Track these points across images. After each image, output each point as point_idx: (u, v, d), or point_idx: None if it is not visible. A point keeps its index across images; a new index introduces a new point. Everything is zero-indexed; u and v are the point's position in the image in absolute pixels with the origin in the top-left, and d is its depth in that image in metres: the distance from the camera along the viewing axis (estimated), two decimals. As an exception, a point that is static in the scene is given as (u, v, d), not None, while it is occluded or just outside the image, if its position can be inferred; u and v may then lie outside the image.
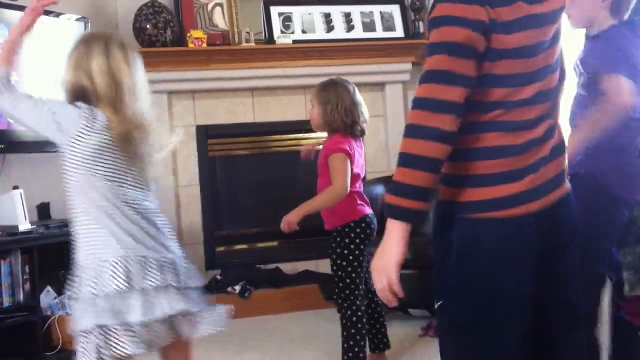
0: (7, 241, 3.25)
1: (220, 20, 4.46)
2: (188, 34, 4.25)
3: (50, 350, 3.33)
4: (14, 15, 3.55)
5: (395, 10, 4.72)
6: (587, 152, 2.23)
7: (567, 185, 1.58)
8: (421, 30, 4.67)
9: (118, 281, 1.86)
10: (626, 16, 2.30)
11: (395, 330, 3.53)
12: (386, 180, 4.13)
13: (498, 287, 1.47)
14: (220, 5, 4.46)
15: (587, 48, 2.33)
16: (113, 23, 4.32)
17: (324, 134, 2.99)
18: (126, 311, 1.86)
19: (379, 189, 4.06)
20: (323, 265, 4.25)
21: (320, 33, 4.56)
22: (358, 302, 2.83)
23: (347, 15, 4.62)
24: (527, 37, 1.43)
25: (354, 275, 2.83)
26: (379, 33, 4.64)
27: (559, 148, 1.55)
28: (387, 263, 1.43)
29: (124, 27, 4.22)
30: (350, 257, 2.83)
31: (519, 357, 1.50)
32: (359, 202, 2.88)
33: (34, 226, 3.40)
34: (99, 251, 1.90)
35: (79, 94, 1.95)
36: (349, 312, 2.82)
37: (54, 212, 3.72)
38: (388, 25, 4.68)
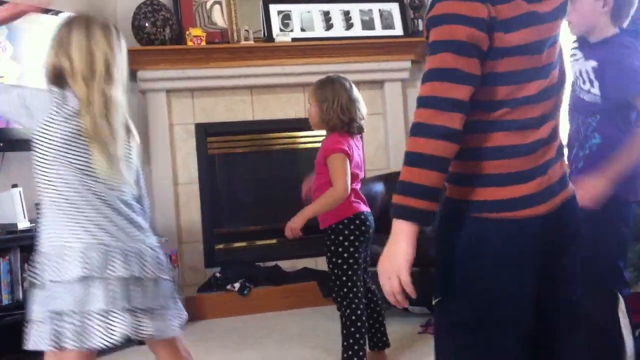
0: (6, 239, 3.26)
1: (219, 18, 4.46)
2: (187, 32, 4.25)
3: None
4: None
5: (394, 8, 4.72)
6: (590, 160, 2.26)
7: (571, 187, 1.58)
8: (420, 28, 4.67)
9: (79, 269, 1.83)
10: (626, 23, 2.28)
11: (395, 328, 3.53)
12: (385, 178, 4.13)
13: (501, 287, 1.46)
14: (219, 3, 4.46)
15: (595, 56, 2.27)
16: (112, 21, 4.32)
17: (323, 132, 2.98)
18: (87, 299, 1.83)
19: (379, 187, 4.06)
20: (322, 263, 4.24)
21: (319, 31, 4.56)
22: (357, 300, 2.82)
23: (346, 14, 4.63)
24: (528, 35, 1.43)
25: (350, 272, 2.82)
26: (378, 31, 4.65)
27: (561, 149, 1.56)
28: (396, 263, 1.40)
29: (123, 25, 4.21)
30: (346, 255, 2.82)
31: (520, 357, 1.50)
32: (354, 199, 2.86)
33: (33, 224, 3.40)
34: (62, 239, 1.88)
35: (58, 76, 1.92)
36: (348, 311, 2.82)
37: (53, 210, 3.71)
38: (387, 24, 4.69)
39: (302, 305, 4.18)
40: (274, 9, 4.51)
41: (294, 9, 4.54)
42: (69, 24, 1.95)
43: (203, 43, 4.24)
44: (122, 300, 1.86)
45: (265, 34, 4.48)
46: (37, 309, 1.87)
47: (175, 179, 4.38)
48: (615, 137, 2.23)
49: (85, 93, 1.89)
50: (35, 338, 1.86)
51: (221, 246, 4.61)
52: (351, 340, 2.81)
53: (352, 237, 2.82)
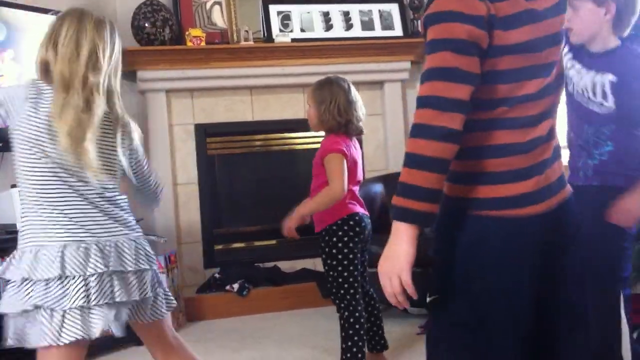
0: (6, 239, 3.25)
1: (219, 18, 4.46)
2: (187, 33, 4.25)
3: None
4: (14, 15, 3.55)
5: (394, 9, 4.72)
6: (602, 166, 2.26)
7: (569, 187, 1.58)
8: (420, 28, 4.67)
9: (54, 267, 1.82)
10: (627, 32, 2.26)
11: (394, 329, 3.53)
12: (385, 179, 4.13)
13: (501, 286, 1.46)
14: (219, 3, 4.46)
15: (607, 69, 2.24)
16: (109, 18, 4.31)
17: (322, 133, 2.97)
18: (61, 297, 1.82)
19: (378, 188, 4.06)
20: (321, 264, 4.25)
21: (319, 32, 4.56)
22: (355, 302, 2.81)
23: (346, 14, 4.63)
24: (527, 32, 1.42)
25: (346, 274, 2.80)
26: (378, 32, 4.64)
27: (558, 150, 1.56)
28: (398, 264, 1.39)
29: (123, 25, 4.21)
30: (340, 256, 2.80)
31: (520, 357, 1.50)
32: (349, 200, 2.84)
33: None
34: (38, 237, 1.87)
35: (46, 70, 1.91)
36: (346, 313, 2.81)
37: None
38: (387, 24, 4.69)
39: (302, 306, 4.18)
40: (273, 9, 4.51)
41: (294, 9, 4.54)
42: (62, 18, 1.95)
43: (203, 43, 4.24)
44: (100, 296, 1.85)
45: (265, 35, 4.48)
46: (7, 306, 1.86)
47: (174, 179, 4.38)
48: (629, 146, 2.24)
49: (61, 74, 1.87)
50: (19, 333, 1.86)
51: (220, 247, 4.60)
52: (350, 343, 2.80)
53: (346, 238, 2.80)
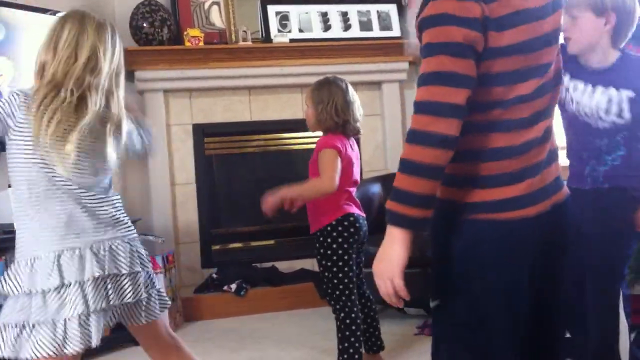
0: (4, 239, 3.24)
1: (217, 18, 4.46)
2: (185, 33, 4.25)
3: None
4: (14, 14, 3.55)
5: (392, 9, 4.72)
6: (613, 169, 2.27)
7: (565, 190, 1.58)
8: (415, 31, 4.66)
9: (53, 277, 1.81)
10: (623, 44, 2.25)
11: (391, 329, 3.53)
12: (383, 179, 4.13)
13: (500, 286, 1.47)
14: (217, 3, 4.46)
15: (621, 84, 2.22)
16: (110, 20, 4.32)
17: (320, 134, 2.97)
18: (60, 308, 1.81)
19: (376, 188, 4.07)
20: (319, 264, 4.26)
21: (317, 32, 4.56)
22: (350, 303, 2.79)
23: (344, 15, 4.63)
24: (521, 33, 1.41)
25: (341, 275, 2.79)
26: (376, 32, 4.65)
27: (554, 153, 1.55)
28: (390, 268, 1.41)
29: (121, 25, 4.20)
30: (335, 257, 2.78)
31: (520, 357, 1.50)
32: (345, 201, 2.82)
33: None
34: (32, 246, 1.86)
35: (42, 71, 1.90)
36: (342, 314, 2.80)
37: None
38: (385, 25, 4.69)
39: (300, 306, 4.18)
40: (271, 9, 4.51)
41: (292, 9, 4.54)
42: (63, 20, 1.94)
43: (201, 43, 4.24)
44: (97, 301, 1.84)
45: (263, 35, 4.48)
46: (3, 317, 1.85)
47: (172, 179, 4.38)
48: None
49: (53, 75, 1.85)
50: (15, 345, 1.84)
51: (218, 247, 4.60)
52: (347, 344, 2.79)
53: (340, 239, 2.78)
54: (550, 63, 1.50)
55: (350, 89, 2.88)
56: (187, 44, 4.22)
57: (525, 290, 1.48)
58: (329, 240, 2.79)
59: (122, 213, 2.01)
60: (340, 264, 2.79)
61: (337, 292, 2.80)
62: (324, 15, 4.60)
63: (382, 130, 4.72)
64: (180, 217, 4.40)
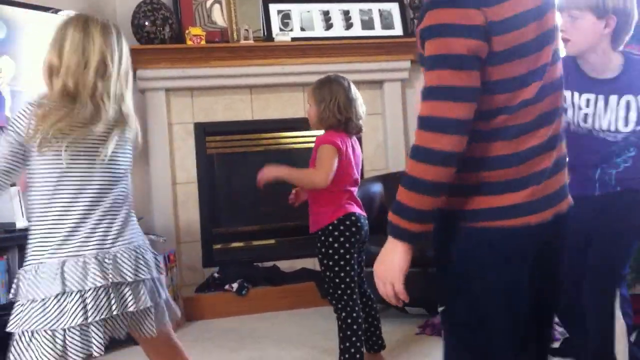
0: (5, 238, 3.25)
1: (219, 17, 4.46)
2: (187, 31, 4.25)
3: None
4: (14, 13, 3.55)
5: (394, 8, 4.71)
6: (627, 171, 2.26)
7: (569, 200, 1.57)
8: (417, 40, 4.65)
9: (55, 285, 1.80)
10: (620, 48, 2.24)
11: (392, 329, 3.53)
12: (384, 179, 4.12)
13: (500, 286, 1.47)
14: (219, 2, 4.46)
15: (619, 90, 2.23)
16: (112, 20, 4.32)
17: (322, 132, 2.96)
18: (60, 317, 1.80)
19: (377, 187, 4.06)
20: (321, 263, 4.26)
21: (319, 31, 4.55)
22: (352, 303, 2.79)
23: (346, 13, 4.62)
24: (521, 36, 1.40)
25: (342, 274, 2.78)
26: (378, 31, 4.64)
27: (561, 161, 1.53)
28: (391, 273, 1.43)
29: (123, 24, 4.19)
30: (336, 257, 2.78)
31: (520, 357, 1.50)
32: (346, 200, 2.82)
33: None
34: (37, 254, 1.85)
35: (50, 73, 1.89)
36: (344, 314, 2.79)
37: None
38: (387, 23, 4.68)
39: (301, 306, 4.17)
40: (273, 8, 4.51)
41: (294, 8, 4.54)
42: (67, 23, 1.93)
43: (203, 42, 4.24)
44: (97, 312, 1.82)
45: (265, 34, 4.48)
46: (11, 325, 1.85)
47: (173, 178, 4.38)
48: None
49: (65, 86, 1.85)
50: (12, 354, 1.84)
51: (219, 246, 4.60)
52: (348, 343, 2.79)
53: (342, 239, 2.78)
54: (547, 64, 1.47)
55: (352, 86, 2.88)
56: (189, 42, 4.22)
57: (525, 290, 1.47)
58: (330, 239, 2.79)
59: (132, 216, 1.99)
60: (342, 263, 2.78)
61: (339, 292, 2.80)
62: (326, 13, 4.59)
63: (384, 129, 4.71)
64: (182, 216, 4.40)
